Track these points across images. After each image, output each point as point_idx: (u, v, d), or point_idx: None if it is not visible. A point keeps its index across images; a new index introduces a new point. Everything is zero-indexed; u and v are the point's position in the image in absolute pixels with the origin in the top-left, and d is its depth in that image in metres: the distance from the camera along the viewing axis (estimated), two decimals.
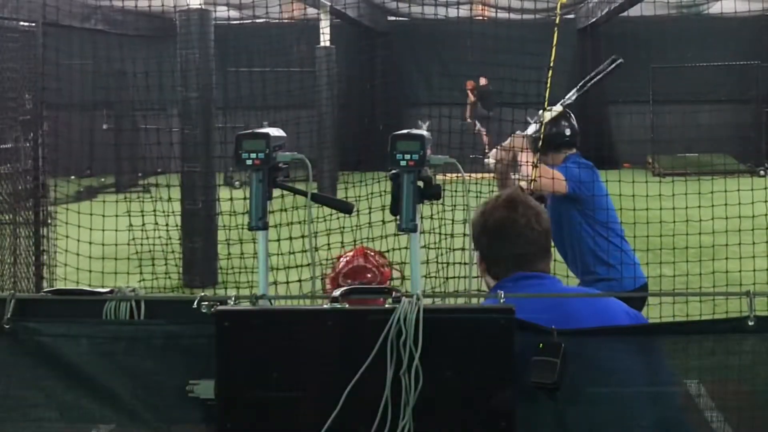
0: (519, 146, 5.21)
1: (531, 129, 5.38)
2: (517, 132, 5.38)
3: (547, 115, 5.30)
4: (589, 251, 5.20)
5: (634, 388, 2.32)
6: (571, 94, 5.48)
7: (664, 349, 2.33)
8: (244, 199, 3.24)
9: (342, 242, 7.53)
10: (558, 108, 5.36)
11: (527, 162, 5.16)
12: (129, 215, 8.76)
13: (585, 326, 2.43)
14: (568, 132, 5.35)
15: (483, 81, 21.39)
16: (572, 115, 5.46)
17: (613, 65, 5.52)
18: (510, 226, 2.81)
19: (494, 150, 5.48)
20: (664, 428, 2.34)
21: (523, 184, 5.19)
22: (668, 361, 2.35)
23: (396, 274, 4.48)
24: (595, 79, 5.58)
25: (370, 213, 7.64)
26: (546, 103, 5.50)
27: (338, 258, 4.40)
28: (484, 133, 20.91)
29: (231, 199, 8.25)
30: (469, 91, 22.22)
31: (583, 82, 5.62)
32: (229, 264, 8.27)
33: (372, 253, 4.43)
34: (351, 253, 4.39)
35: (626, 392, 2.32)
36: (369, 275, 4.21)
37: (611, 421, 2.31)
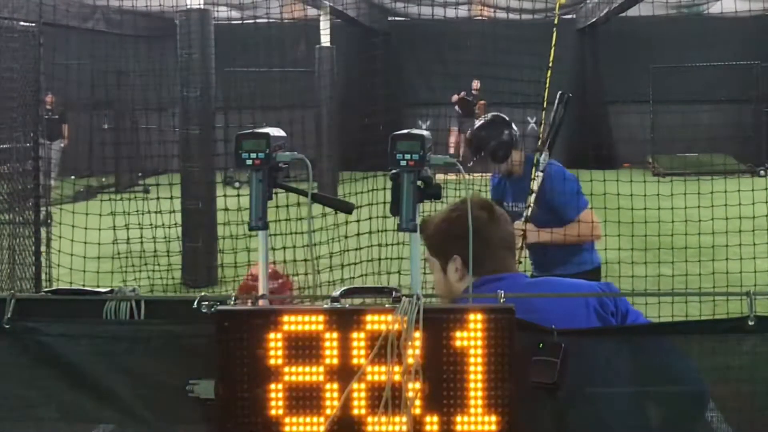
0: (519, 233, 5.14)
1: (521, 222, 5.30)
2: (517, 222, 5.25)
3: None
4: (557, 248, 5.25)
5: (634, 388, 2.32)
6: (545, 149, 5.39)
7: (669, 349, 2.33)
8: (238, 197, 3.24)
9: (344, 236, 7.54)
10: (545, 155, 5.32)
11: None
12: (129, 215, 8.77)
13: (549, 315, 2.43)
14: (506, 137, 5.31)
15: (476, 84, 21.25)
16: (506, 118, 5.43)
17: (563, 102, 5.46)
18: (491, 227, 2.88)
19: None
20: (665, 427, 2.34)
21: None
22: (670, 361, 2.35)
23: (295, 284, 4.78)
24: (557, 122, 5.48)
25: (366, 212, 7.64)
26: (545, 103, 5.50)
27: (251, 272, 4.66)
28: (456, 131, 20.67)
29: (225, 195, 8.25)
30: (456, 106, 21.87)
31: (548, 133, 5.50)
32: (231, 261, 8.27)
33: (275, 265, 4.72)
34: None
35: (626, 392, 2.32)
36: (280, 280, 4.43)
37: (611, 421, 2.31)
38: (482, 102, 20.89)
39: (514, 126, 5.39)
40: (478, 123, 5.48)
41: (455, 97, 21.17)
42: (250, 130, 2.80)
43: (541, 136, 5.35)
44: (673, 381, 2.33)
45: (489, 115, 5.54)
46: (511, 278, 2.87)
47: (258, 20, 15.74)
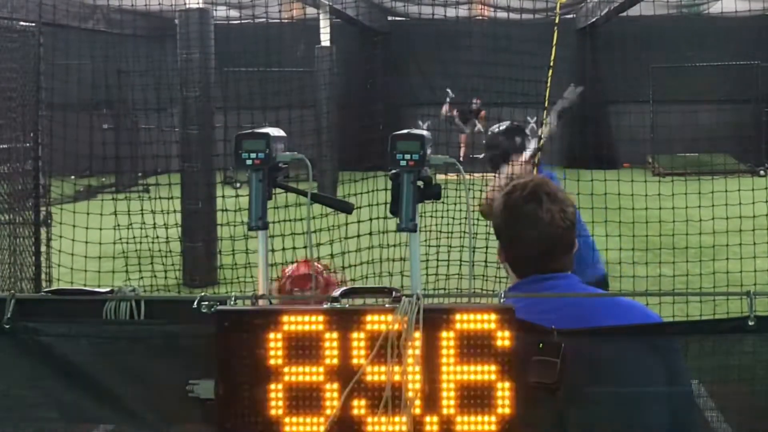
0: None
1: (528, 153, 5.31)
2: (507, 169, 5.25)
3: (546, 130, 5.28)
4: None
5: (634, 388, 2.32)
6: (551, 121, 5.40)
7: (668, 348, 2.33)
8: (236, 197, 3.24)
9: (343, 238, 7.54)
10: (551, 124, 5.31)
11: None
12: (129, 215, 8.77)
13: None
14: (518, 141, 5.33)
15: (477, 101, 21.40)
16: (520, 125, 5.49)
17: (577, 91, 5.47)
18: (532, 223, 2.64)
19: (488, 195, 5.34)
20: (665, 428, 2.34)
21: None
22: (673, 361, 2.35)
23: (340, 277, 4.70)
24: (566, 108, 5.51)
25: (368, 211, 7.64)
26: (546, 103, 5.49)
27: (284, 271, 4.59)
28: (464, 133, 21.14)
29: (223, 196, 8.25)
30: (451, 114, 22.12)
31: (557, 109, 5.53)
32: (231, 261, 8.27)
33: (315, 263, 4.61)
34: (294, 265, 4.60)
35: (627, 392, 2.32)
36: (310, 283, 4.39)
37: (611, 422, 2.31)
38: (483, 112, 21.17)
39: (519, 137, 5.36)
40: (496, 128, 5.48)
41: (446, 109, 21.38)
42: (250, 130, 2.80)
43: (541, 136, 5.34)
44: (674, 381, 2.33)
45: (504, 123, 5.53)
46: (566, 281, 2.70)
47: (257, 20, 15.75)
